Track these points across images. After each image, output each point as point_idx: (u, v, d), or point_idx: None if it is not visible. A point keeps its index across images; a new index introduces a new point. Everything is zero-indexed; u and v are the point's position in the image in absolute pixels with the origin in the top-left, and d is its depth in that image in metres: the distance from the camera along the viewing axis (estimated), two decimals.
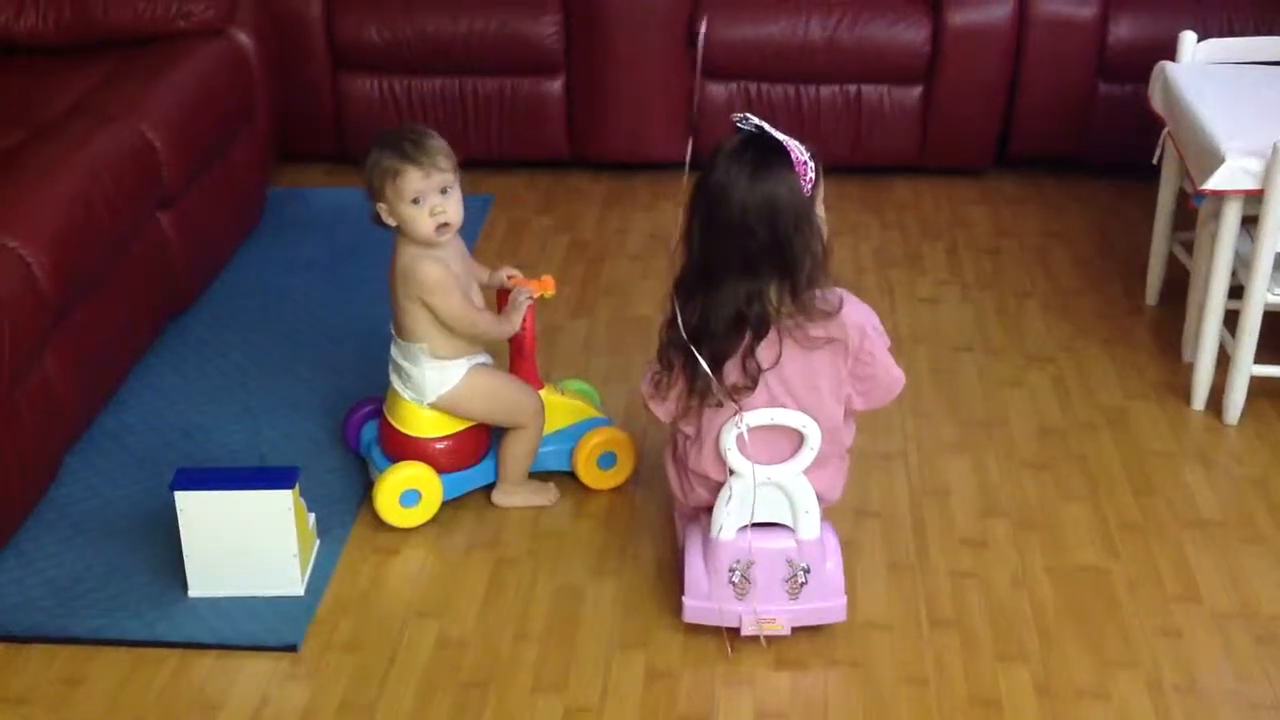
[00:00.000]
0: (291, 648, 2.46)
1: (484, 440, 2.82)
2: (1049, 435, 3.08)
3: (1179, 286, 3.45)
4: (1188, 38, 3.40)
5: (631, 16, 4.19)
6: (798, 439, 2.36)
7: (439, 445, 2.75)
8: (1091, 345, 3.43)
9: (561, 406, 2.88)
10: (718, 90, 4.28)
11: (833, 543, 2.46)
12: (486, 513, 2.81)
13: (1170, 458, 2.99)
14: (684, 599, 2.45)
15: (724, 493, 2.38)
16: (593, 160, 4.38)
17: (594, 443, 2.83)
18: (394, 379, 2.76)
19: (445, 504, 2.79)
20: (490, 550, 2.72)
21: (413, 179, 2.61)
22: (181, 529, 2.53)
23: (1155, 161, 3.45)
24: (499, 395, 2.76)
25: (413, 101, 4.29)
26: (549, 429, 2.85)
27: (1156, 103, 3.39)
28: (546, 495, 2.84)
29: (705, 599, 2.43)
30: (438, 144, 2.66)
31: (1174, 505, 2.84)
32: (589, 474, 2.85)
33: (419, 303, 2.66)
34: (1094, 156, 4.29)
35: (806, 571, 2.41)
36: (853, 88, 4.24)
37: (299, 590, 2.59)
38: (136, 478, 2.87)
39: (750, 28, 4.18)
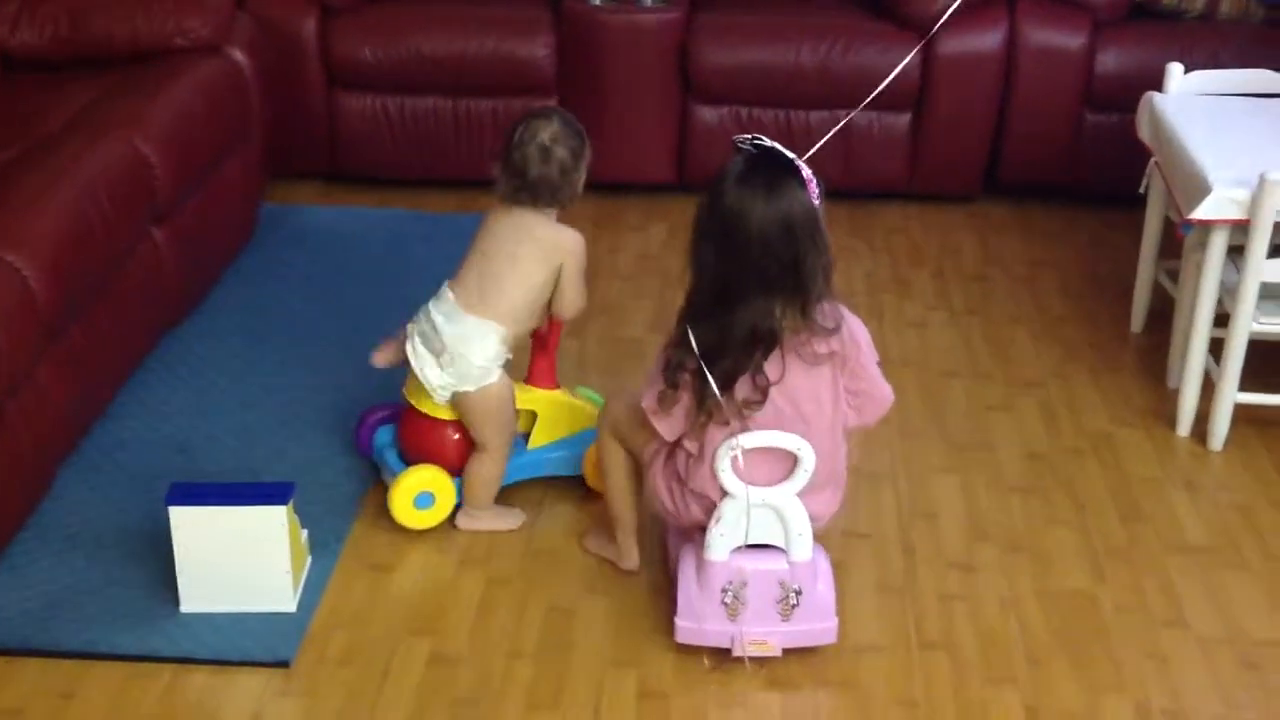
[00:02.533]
0: (284, 663, 2.46)
1: None
2: (1036, 460, 3.11)
3: (1164, 314, 3.49)
4: (1175, 69, 3.45)
5: (623, 40, 4.22)
6: (792, 461, 2.38)
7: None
8: (1078, 371, 3.46)
9: (574, 410, 2.91)
10: (708, 114, 4.32)
11: (824, 565, 2.48)
12: (479, 533, 2.82)
13: (1156, 483, 3.03)
14: (676, 619, 2.46)
15: (717, 513, 2.40)
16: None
17: None
18: (424, 363, 2.73)
19: (440, 524, 2.81)
20: (482, 569, 2.73)
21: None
22: (175, 544, 2.54)
23: (1141, 191, 3.50)
24: (507, 408, 2.77)
25: (406, 121, 4.31)
26: (561, 434, 2.90)
27: (1144, 133, 3.43)
28: (512, 519, 2.83)
29: (697, 620, 2.44)
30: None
31: (1160, 531, 2.87)
32: (597, 480, 2.86)
33: (550, 273, 2.71)
34: (1081, 185, 4.33)
35: (798, 593, 2.43)
36: (843, 114, 4.27)
37: (291, 606, 2.59)
38: (130, 492, 2.87)
39: (742, 53, 4.21)
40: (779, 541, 2.43)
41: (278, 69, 4.07)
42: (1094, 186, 4.31)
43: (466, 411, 2.74)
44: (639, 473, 2.61)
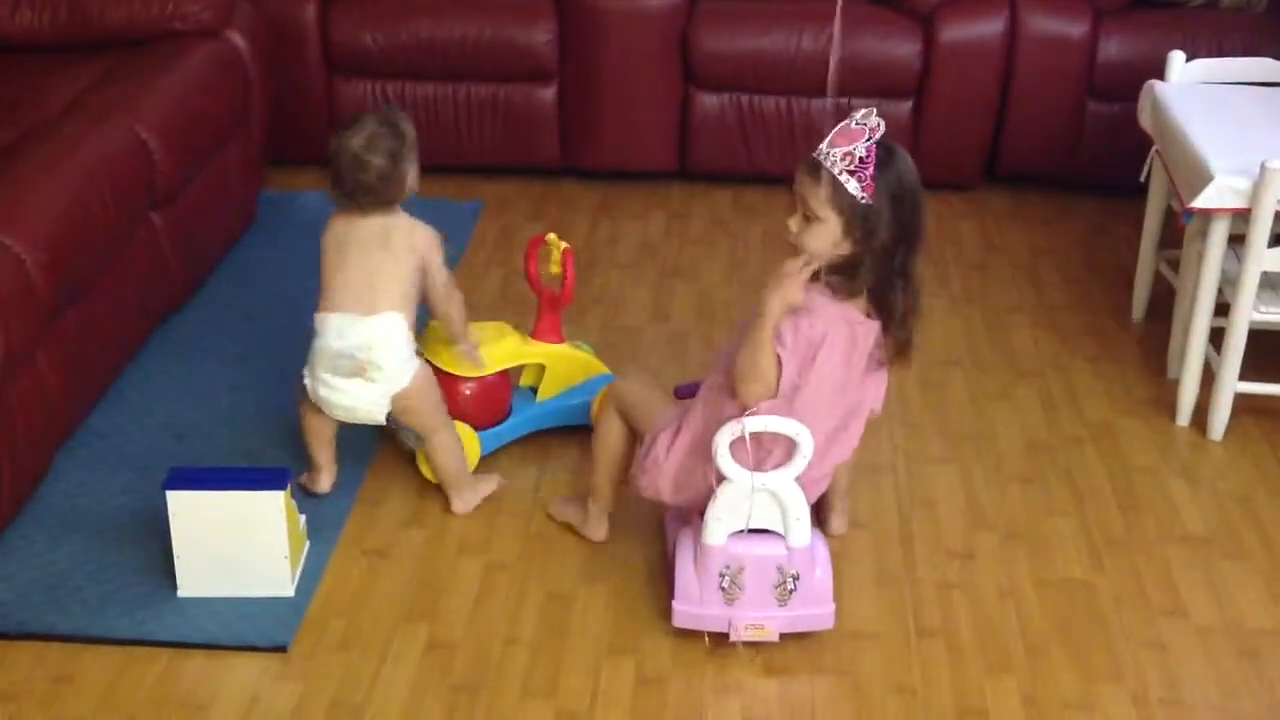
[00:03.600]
0: (281, 648, 2.46)
1: (509, 392, 2.99)
2: (1036, 449, 3.10)
3: (1165, 303, 3.49)
4: (1177, 58, 3.44)
5: (625, 26, 4.21)
6: (791, 445, 2.38)
7: (487, 380, 2.89)
8: (1078, 360, 3.45)
9: (577, 361, 3.05)
10: (710, 101, 4.30)
11: (822, 551, 2.48)
12: (477, 518, 2.82)
13: (1155, 473, 3.02)
14: (673, 603, 2.47)
15: (715, 498, 2.40)
16: (584, 168, 4.40)
17: None
18: (349, 392, 2.71)
19: (435, 508, 2.81)
20: (481, 555, 2.72)
21: None
22: (172, 529, 2.54)
23: (1143, 179, 3.49)
24: (436, 386, 2.79)
25: (406, 106, 4.28)
26: (567, 385, 3.01)
27: (1145, 121, 3.42)
28: (493, 482, 2.88)
29: (695, 604, 2.44)
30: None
31: (1159, 520, 2.87)
32: None
33: (418, 263, 2.72)
34: (1082, 174, 4.32)
35: (796, 579, 2.43)
36: (844, 101, 4.26)
37: (289, 591, 2.59)
38: (127, 477, 2.87)
39: (743, 40, 4.20)
40: (777, 527, 2.42)
41: (277, 55, 4.05)
42: (1094, 175, 4.30)
43: (410, 408, 2.75)
44: (630, 455, 2.63)
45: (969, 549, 2.77)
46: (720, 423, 2.38)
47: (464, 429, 2.87)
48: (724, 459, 2.37)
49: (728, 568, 2.42)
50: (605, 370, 3.09)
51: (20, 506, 2.73)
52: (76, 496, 2.81)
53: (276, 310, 3.55)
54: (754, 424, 2.34)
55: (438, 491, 2.87)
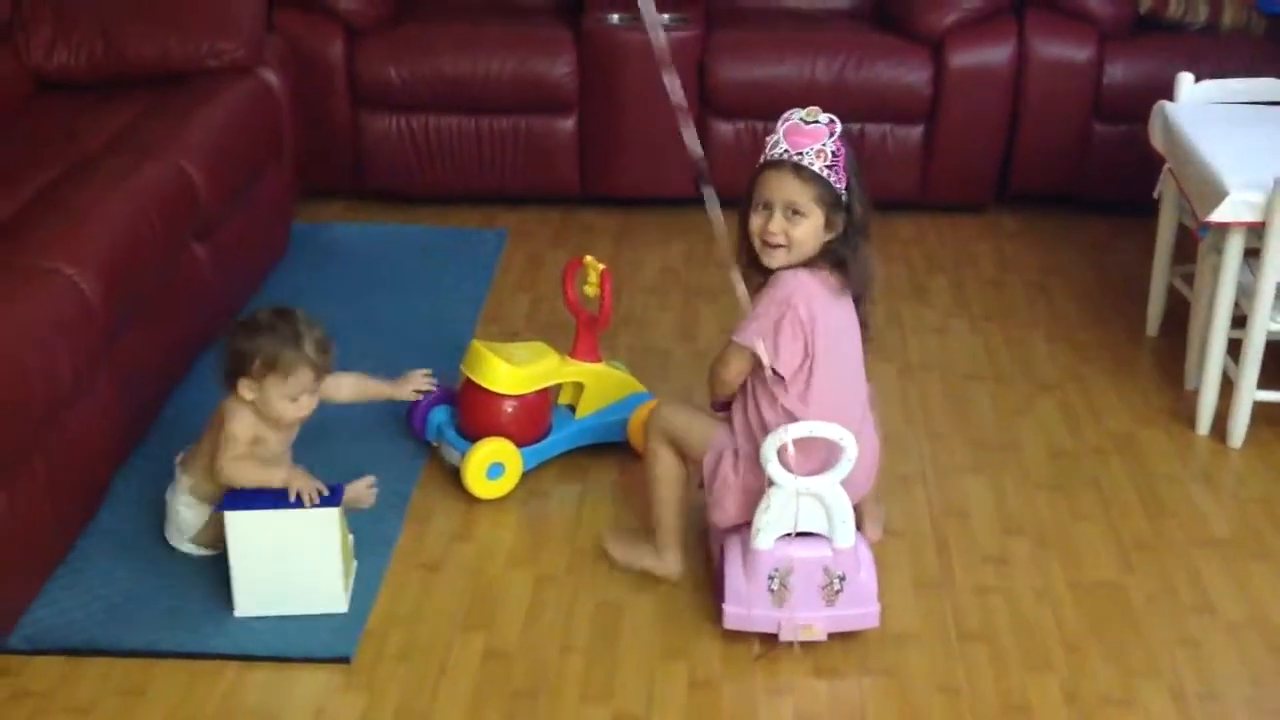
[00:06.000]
0: (344, 659, 2.53)
1: (549, 410, 3.08)
2: (1060, 459, 3.19)
3: (1178, 318, 3.59)
4: (1185, 78, 3.55)
5: (643, 58, 4.30)
6: (834, 450, 2.46)
7: (528, 398, 2.99)
8: (1096, 374, 3.55)
9: (614, 380, 3.15)
10: (725, 129, 4.41)
11: (866, 552, 2.57)
12: (523, 533, 2.90)
13: (1178, 480, 3.11)
14: (724, 606, 2.54)
15: (763, 502, 2.49)
16: (603, 196, 4.50)
17: (647, 414, 2.97)
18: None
19: (483, 522, 2.90)
20: (530, 568, 2.80)
21: (304, 379, 2.64)
22: (230, 548, 2.61)
23: (1156, 196, 3.59)
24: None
25: (430, 139, 4.40)
26: (605, 402, 3.10)
27: (1156, 140, 3.53)
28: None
29: (745, 605, 2.52)
30: (328, 340, 2.68)
31: (1184, 524, 2.96)
32: (643, 442, 2.96)
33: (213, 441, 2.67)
34: (1090, 194, 4.44)
35: (842, 579, 2.51)
36: (856, 126, 4.37)
37: (343, 608, 2.66)
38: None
39: (758, 68, 4.32)
40: (822, 529, 2.51)
41: (304, 90, 4.15)
42: (1102, 194, 4.42)
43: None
44: (686, 481, 2.69)
45: (1002, 554, 2.86)
46: (763, 430, 2.48)
47: (506, 445, 2.95)
48: (772, 465, 2.45)
49: (776, 570, 2.50)
50: (641, 388, 3.18)
51: (83, 527, 2.81)
52: (134, 518, 2.88)
53: None
54: (798, 430, 2.44)
55: (485, 507, 2.95)
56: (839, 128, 2.50)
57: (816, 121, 2.50)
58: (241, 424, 2.67)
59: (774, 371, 2.49)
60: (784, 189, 2.49)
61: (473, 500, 2.96)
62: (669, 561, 2.72)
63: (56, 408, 2.63)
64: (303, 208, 4.33)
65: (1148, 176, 3.60)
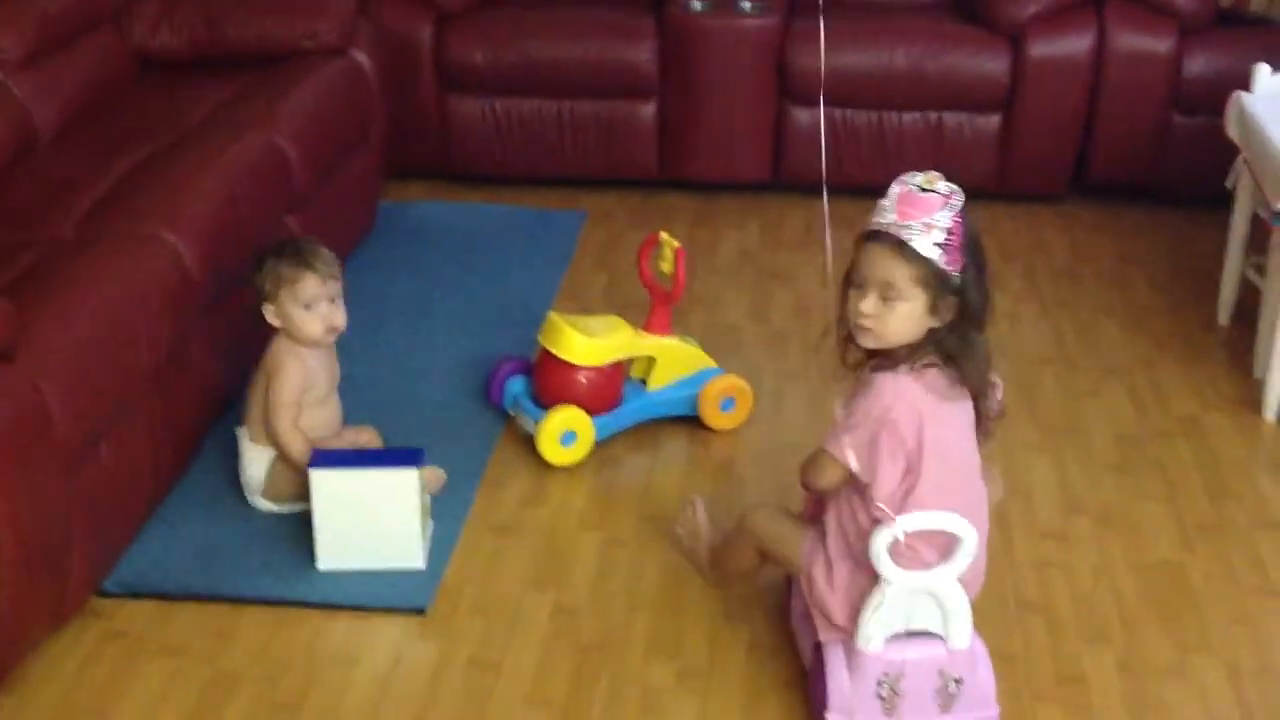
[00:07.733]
0: (420, 610, 2.65)
1: (621, 382, 3.17)
2: (1126, 441, 3.23)
3: (1250, 308, 3.60)
4: (1263, 69, 3.56)
5: (723, 44, 4.40)
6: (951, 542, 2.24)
7: (603, 369, 3.09)
8: (1166, 361, 3.58)
9: (686, 354, 3.24)
10: (804, 116, 4.48)
11: (982, 650, 2.35)
12: (594, 499, 3.00)
13: (1243, 464, 3.14)
14: (827, 714, 2.31)
15: (873, 599, 2.25)
16: (681, 180, 4.58)
17: (717, 388, 3.19)
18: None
19: (556, 488, 3.01)
20: (599, 531, 2.90)
21: (310, 285, 2.82)
22: (314, 505, 2.73)
23: (1228, 186, 3.61)
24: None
25: (512, 122, 4.51)
26: (676, 376, 3.21)
27: (1232, 131, 3.55)
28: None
29: (850, 715, 2.30)
30: (330, 254, 2.89)
31: (1247, 507, 2.99)
32: (712, 416, 3.21)
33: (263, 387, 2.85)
34: (1167, 185, 4.45)
35: (958, 682, 2.31)
36: (934, 115, 4.42)
37: (420, 564, 2.77)
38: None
39: (838, 56, 4.36)
40: (936, 628, 2.30)
41: (393, 72, 4.28)
42: (1179, 187, 4.43)
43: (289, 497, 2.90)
44: (756, 571, 2.61)
45: (1064, 531, 2.91)
46: (860, 529, 2.27)
47: (580, 414, 3.05)
48: (883, 561, 2.21)
49: (886, 675, 2.28)
50: (712, 364, 3.27)
51: (176, 482, 2.95)
52: (223, 474, 3.02)
53: (401, 307, 3.78)
54: (910, 522, 2.19)
55: (558, 473, 3.06)
56: (960, 200, 2.16)
57: (934, 190, 2.16)
58: (287, 383, 2.83)
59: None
60: (882, 266, 2.16)
61: (546, 467, 3.07)
62: (707, 577, 2.74)
63: (158, 367, 2.78)
64: (389, 187, 4.46)
65: (1224, 169, 3.61)
